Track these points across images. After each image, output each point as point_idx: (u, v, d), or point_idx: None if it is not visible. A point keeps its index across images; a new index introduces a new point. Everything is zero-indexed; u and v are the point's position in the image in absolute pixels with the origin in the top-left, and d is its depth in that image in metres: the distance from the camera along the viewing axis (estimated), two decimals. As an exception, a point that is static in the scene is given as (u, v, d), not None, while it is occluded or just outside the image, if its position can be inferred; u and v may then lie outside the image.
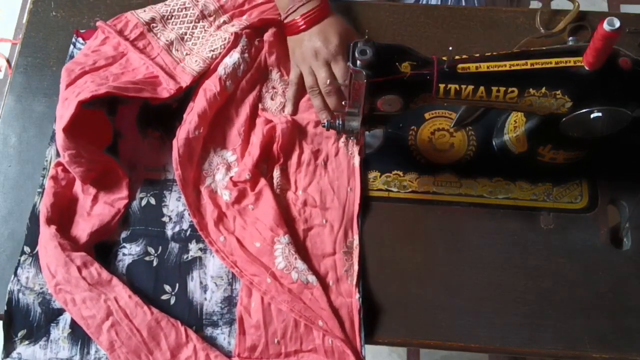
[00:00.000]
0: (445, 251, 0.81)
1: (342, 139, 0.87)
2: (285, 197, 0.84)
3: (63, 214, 0.83)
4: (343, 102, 0.87)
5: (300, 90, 0.89)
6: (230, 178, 0.84)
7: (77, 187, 0.85)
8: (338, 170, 0.85)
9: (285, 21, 0.86)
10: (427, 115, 0.88)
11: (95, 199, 0.84)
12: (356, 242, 0.81)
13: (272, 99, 0.89)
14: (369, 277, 0.80)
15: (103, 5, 0.97)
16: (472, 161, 0.85)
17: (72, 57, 0.92)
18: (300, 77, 0.88)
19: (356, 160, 0.85)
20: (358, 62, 0.66)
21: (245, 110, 0.87)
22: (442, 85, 0.69)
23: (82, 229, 0.82)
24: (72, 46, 0.93)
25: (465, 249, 0.81)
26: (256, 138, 0.85)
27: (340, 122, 0.79)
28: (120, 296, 0.77)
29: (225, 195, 0.83)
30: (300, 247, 0.81)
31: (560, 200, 0.83)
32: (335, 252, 0.81)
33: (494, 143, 0.86)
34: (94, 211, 0.84)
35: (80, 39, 0.94)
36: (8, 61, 1.93)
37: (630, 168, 0.84)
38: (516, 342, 0.77)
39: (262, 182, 0.83)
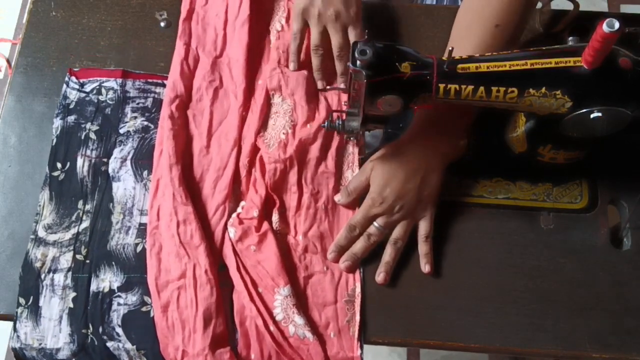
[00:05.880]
0: (445, 251, 0.81)
1: (341, 181, 0.84)
2: (285, 241, 0.81)
3: (184, 154, 0.85)
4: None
5: (302, 45, 0.88)
6: (238, 214, 0.81)
7: (192, 124, 0.87)
8: (339, 216, 0.83)
9: None
10: (427, 115, 0.88)
11: (209, 134, 0.86)
12: (358, 289, 0.79)
13: (274, 122, 0.87)
14: (369, 277, 0.80)
15: (103, 5, 0.97)
16: (472, 161, 0.85)
17: (65, 97, 0.90)
18: (304, 31, 0.86)
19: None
20: (358, 62, 0.66)
21: (250, 140, 0.85)
22: (442, 86, 0.69)
23: (204, 167, 0.84)
24: (64, 85, 0.91)
25: (465, 249, 0.81)
26: (258, 174, 0.83)
27: (340, 122, 0.79)
28: (199, 265, 0.77)
29: (231, 233, 0.80)
30: (301, 296, 0.78)
31: (560, 200, 0.83)
32: (336, 300, 0.78)
33: (494, 143, 0.86)
34: (211, 147, 0.85)
35: (73, 78, 0.91)
36: (8, 61, 1.93)
37: (630, 168, 0.84)
38: (516, 342, 0.77)
39: (266, 225, 0.80)
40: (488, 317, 0.78)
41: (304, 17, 0.85)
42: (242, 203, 0.83)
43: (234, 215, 0.82)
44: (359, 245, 0.79)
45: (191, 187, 0.83)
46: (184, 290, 0.77)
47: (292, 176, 0.83)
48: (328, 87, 0.87)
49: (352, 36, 0.83)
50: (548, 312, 0.78)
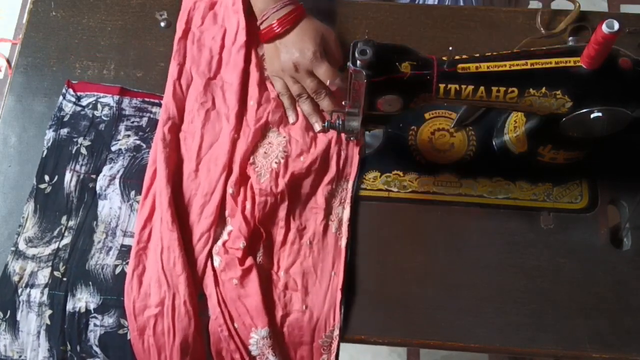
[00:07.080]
0: (445, 251, 0.81)
1: (330, 217, 0.83)
2: (267, 277, 0.80)
3: (174, 178, 0.83)
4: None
5: (293, 97, 0.88)
6: (224, 243, 0.80)
7: (182, 147, 0.86)
8: (324, 252, 0.81)
9: (261, 27, 0.85)
10: (427, 115, 0.88)
11: (198, 157, 0.84)
12: (336, 332, 0.77)
13: (265, 152, 0.86)
14: (369, 277, 0.80)
15: (103, 5, 0.97)
16: (472, 161, 0.85)
17: (60, 109, 0.89)
18: (286, 86, 0.87)
19: (343, 242, 0.81)
20: (358, 62, 0.66)
21: (238, 165, 0.84)
22: (442, 85, 0.69)
23: (192, 191, 0.83)
24: (61, 97, 0.90)
25: (465, 249, 0.81)
26: (249, 204, 0.82)
27: (340, 122, 0.79)
28: (179, 295, 0.76)
29: (216, 261, 0.79)
30: (278, 335, 0.77)
31: (560, 200, 0.83)
32: (313, 340, 0.77)
33: (494, 143, 0.86)
34: (200, 171, 0.84)
35: (70, 90, 0.90)
36: (8, 61, 1.93)
37: (630, 168, 0.84)
38: (516, 342, 0.77)
39: (250, 259, 0.79)
40: (488, 317, 0.78)
41: (277, 76, 0.87)
42: (229, 228, 0.81)
43: (220, 242, 0.80)
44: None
45: (179, 211, 0.81)
46: (161, 317, 0.76)
47: (282, 211, 0.82)
48: (333, 111, 0.85)
49: (319, 75, 0.83)
50: (548, 312, 0.78)
